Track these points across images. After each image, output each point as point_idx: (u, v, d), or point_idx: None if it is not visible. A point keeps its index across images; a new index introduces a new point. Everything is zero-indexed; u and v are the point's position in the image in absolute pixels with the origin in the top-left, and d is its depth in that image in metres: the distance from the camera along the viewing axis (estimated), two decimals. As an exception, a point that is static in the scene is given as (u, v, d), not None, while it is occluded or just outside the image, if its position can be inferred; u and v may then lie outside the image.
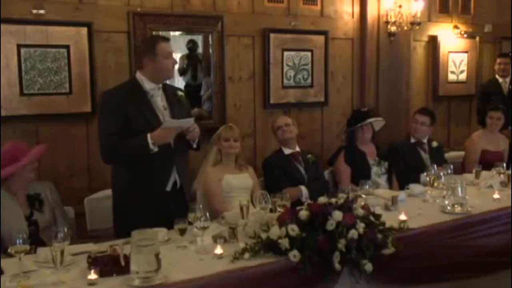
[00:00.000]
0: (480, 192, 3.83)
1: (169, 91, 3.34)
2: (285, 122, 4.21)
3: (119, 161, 3.20)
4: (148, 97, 3.19)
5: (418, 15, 5.39)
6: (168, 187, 3.24)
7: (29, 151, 3.23)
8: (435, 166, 3.79)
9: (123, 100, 3.11)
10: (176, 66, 4.69)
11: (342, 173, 4.34)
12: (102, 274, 2.29)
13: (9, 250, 2.35)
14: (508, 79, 6.05)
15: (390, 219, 2.89)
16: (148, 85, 3.19)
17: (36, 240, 2.99)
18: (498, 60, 6.11)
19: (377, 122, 4.53)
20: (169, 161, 3.21)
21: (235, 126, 3.92)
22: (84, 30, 4.09)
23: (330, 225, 2.55)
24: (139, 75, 3.23)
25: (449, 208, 3.31)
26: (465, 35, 6.33)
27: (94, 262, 2.34)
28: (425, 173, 3.78)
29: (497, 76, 6.09)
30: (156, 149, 3.04)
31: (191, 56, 4.78)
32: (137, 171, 3.15)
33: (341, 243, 2.53)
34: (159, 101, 3.24)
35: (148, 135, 3.02)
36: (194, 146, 3.34)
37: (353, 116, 4.53)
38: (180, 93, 3.41)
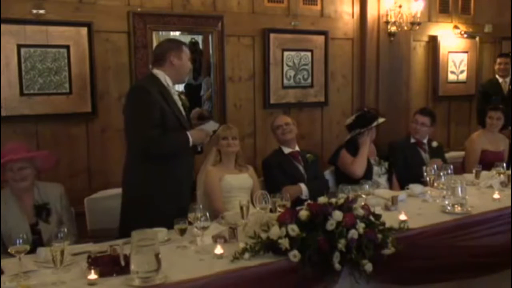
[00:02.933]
0: (480, 192, 3.83)
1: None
2: (285, 121, 4.21)
3: (161, 154, 3.15)
4: (172, 93, 3.26)
5: (418, 15, 5.40)
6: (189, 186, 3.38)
7: (22, 151, 3.18)
8: (435, 165, 3.79)
9: (156, 93, 3.14)
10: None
11: (352, 164, 4.29)
12: (102, 274, 2.28)
13: (9, 250, 2.34)
14: (508, 79, 6.04)
15: (390, 219, 2.89)
16: (167, 82, 3.25)
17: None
18: (498, 60, 6.10)
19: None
20: (192, 160, 3.35)
21: (234, 126, 3.92)
22: (84, 30, 4.09)
23: (330, 225, 2.55)
24: (157, 72, 3.24)
25: (449, 208, 3.31)
26: (465, 35, 6.33)
27: (94, 262, 2.34)
28: (425, 173, 3.77)
29: (497, 76, 6.09)
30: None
31: (192, 56, 4.76)
32: (166, 170, 3.16)
33: (341, 243, 2.53)
34: (177, 99, 3.32)
35: (188, 133, 3.16)
36: (199, 149, 3.40)
37: (360, 117, 4.49)
38: (182, 97, 3.50)
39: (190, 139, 3.15)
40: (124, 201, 3.29)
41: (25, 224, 3.09)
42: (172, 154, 3.18)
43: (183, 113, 3.31)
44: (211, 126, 3.36)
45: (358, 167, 4.26)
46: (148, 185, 3.17)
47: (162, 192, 3.16)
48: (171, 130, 3.15)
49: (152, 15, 4.37)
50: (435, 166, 3.79)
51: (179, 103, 3.31)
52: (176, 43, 3.38)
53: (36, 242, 3.04)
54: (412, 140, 4.72)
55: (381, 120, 4.44)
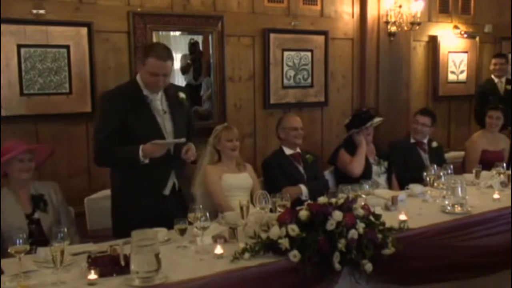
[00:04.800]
0: (480, 192, 3.84)
1: (171, 92, 3.27)
2: (300, 125, 4.18)
3: (109, 165, 3.21)
4: (148, 101, 3.14)
5: (418, 15, 5.40)
6: (166, 191, 3.22)
7: (23, 147, 3.23)
8: (435, 166, 3.79)
9: (121, 103, 3.07)
10: (178, 66, 4.70)
11: (350, 163, 4.29)
12: (102, 274, 2.28)
13: (9, 250, 2.34)
14: (504, 79, 6.06)
15: (390, 219, 2.89)
16: (145, 88, 3.14)
17: (37, 239, 3.00)
18: (494, 61, 6.11)
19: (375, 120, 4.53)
20: (168, 166, 3.19)
21: (234, 126, 3.91)
22: (84, 30, 4.09)
23: (330, 225, 2.55)
24: (138, 77, 3.18)
25: (449, 208, 3.31)
26: (465, 35, 6.33)
27: (94, 262, 2.34)
28: (425, 173, 3.78)
29: (492, 77, 6.10)
30: (147, 161, 3.01)
31: (192, 56, 4.77)
32: (134, 174, 3.11)
33: (341, 243, 2.53)
34: (159, 105, 3.18)
35: (141, 148, 2.98)
36: (191, 159, 3.26)
37: (356, 117, 4.50)
38: (182, 95, 3.32)
39: (141, 154, 2.97)
40: (111, 201, 3.31)
41: (20, 214, 3.13)
42: (123, 166, 3.12)
43: (159, 119, 3.15)
44: (171, 141, 3.13)
45: (357, 166, 4.27)
46: (125, 186, 3.18)
47: (136, 194, 3.13)
48: (133, 141, 3.01)
49: (152, 15, 4.37)
50: (435, 166, 3.79)
51: (159, 108, 3.16)
52: (145, 52, 3.15)
53: (35, 232, 3.10)
54: (412, 140, 4.73)
55: (376, 120, 4.43)
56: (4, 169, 3.16)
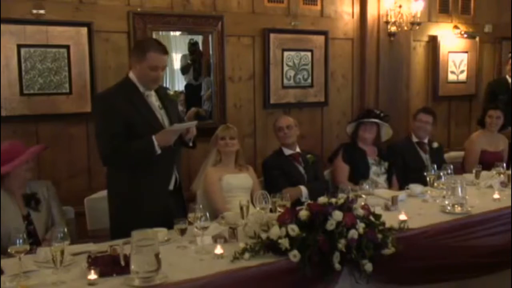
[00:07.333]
0: (480, 192, 3.83)
1: (160, 91, 3.29)
2: (286, 124, 4.16)
3: (122, 164, 3.14)
4: (145, 97, 3.14)
5: (418, 15, 5.40)
6: (171, 186, 3.23)
7: (27, 149, 3.23)
8: (435, 166, 3.80)
9: (121, 101, 3.05)
10: (178, 66, 4.71)
11: (339, 171, 4.34)
12: (102, 274, 2.28)
13: (9, 250, 2.35)
14: None
15: (390, 219, 2.89)
16: (141, 85, 3.14)
17: (35, 239, 3.02)
18: (511, 61, 6.06)
19: (386, 132, 4.52)
20: (171, 160, 3.20)
21: (233, 126, 3.92)
22: (84, 30, 4.10)
23: (330, 225, 2.55)
24: (131, 75, 3.15)
25: (449, 208, 3.31)
26: (465, 35, 6.33)
27: (94, 262, 2.34)
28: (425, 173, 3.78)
29: (507, 76, 6.04)
30: (159, 151, 3.01)
31: (192, 56, 4.78)
32: (139, 172, 3.10)
33: (341, 243, 2.53)
34: (154, 101, 3.19)
35: (154, 138, 2.98)
36: (190, 144, 3.29)
37: (363, 112, 4.51)
38: (171, 92, 3.37)
39: (155, 143, 2.97)
40: (111, 203, 3.27)
41: (17, 215, 3.12)
42: (138, 161, 3.06)
43: (158, 115, 3.16)
44: (188, 125, 3.17)
45: (341, 177, 4.28)
46: (128, 186, 3.13)
47: (140, 192, 3.11)
48: (138, 138, 3.01)
49: (152, 15, 4.37)
50: (435, 166, 3.80)
51: (155, 104, 3.17)
52: (142, 47, 3.13)
53: (33, 232, 3.09)
54: (415, 140, 4.71)
55: (375, 120, 4.41)
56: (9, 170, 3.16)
